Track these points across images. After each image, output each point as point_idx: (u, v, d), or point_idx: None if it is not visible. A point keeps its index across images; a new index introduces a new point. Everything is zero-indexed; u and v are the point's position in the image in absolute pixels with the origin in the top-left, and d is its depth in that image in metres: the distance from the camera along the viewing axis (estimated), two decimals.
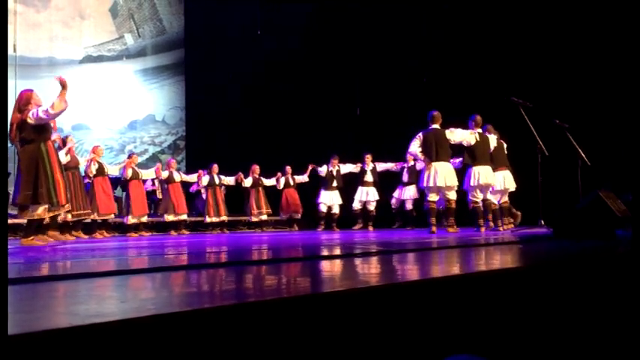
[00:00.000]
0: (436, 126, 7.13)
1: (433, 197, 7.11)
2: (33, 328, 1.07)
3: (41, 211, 5.19)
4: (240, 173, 10.39)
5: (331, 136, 11.39)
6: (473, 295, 1.89)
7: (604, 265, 2.60)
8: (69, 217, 7.51)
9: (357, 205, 10.44)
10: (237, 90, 12.71)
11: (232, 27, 12.86)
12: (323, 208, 10.49)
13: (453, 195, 7.09)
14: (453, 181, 7.03)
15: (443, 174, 6.95)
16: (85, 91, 12.39)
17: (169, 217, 9.52)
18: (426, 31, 10.82)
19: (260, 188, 10.60)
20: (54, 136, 5.78)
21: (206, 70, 13.18)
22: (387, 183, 10.53)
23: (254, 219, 10.63)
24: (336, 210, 10.53)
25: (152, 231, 9.59)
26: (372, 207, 10.41)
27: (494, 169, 7.49)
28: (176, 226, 9.64)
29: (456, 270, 2.32)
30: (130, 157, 9.31)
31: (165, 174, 9.57)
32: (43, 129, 5.17)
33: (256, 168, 10.56)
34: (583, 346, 2.05)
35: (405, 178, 10.22)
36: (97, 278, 2.09)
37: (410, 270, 2.35)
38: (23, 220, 9.63)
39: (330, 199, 10.43)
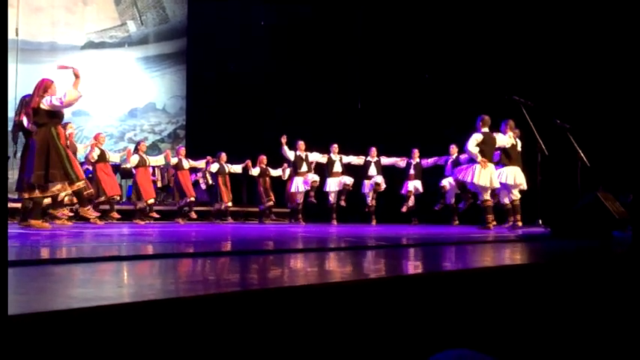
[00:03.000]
0: (486, 129, 7.33)
1: (488, 195, 7.42)
2: (31, 310, 1.07)
3: (59, 187, 5.48)
4: (249, 161, 10.39)
5: (332, 128, 11.38)
6: (468, 290, 1.90)
7: (600, 265, 2.61)
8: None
9: (332, 198, 10.26)
10: (239, 80, 12.69)
11: (235, 17, 12.83)
12: (300, 198, 10.26)
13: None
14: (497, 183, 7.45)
15: (495, 175, 7.33)
16: (85, 77, 12.31)
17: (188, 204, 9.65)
18: (429, 28, 10.80)
19: (267, 178, 10.63)
20: None
21: (208, 59, 13.15)
22: (354, 175, 10.37)
23: (264, 207, 10.67)
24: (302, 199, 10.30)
25: (151, 219, 9.58)
26: (339, 199, 10.26)
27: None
28: (181, 214, 9.70)
29: (451, 266, 2.33)
30: (138, 144, 9.38)
31: (174, 160, 9.64)
32: (54, 114, 5.51)
33: (263, 158, 10.60)
34: (575, 346, 2.06)
35: (412, 173, 10.16)
36: (96, 263, 2.09)
37: (408, 264, 2.36)
38: (18, 205, 9.64)
39: (302, 186, 10.17)
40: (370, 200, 10.36)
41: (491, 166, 7.27)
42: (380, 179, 10.22)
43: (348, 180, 10.16)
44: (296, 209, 10.41)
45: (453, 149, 9.79)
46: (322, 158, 10.33)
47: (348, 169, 10.46)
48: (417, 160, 10.21)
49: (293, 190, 10.27)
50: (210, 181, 10.78)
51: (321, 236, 4.97)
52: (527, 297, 2.05)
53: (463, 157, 9.82)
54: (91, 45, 12.75)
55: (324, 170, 10.36)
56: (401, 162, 10.35)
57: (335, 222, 10.08)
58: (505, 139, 7.48)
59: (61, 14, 12.42)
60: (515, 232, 6.23)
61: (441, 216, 10.01)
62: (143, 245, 3.35)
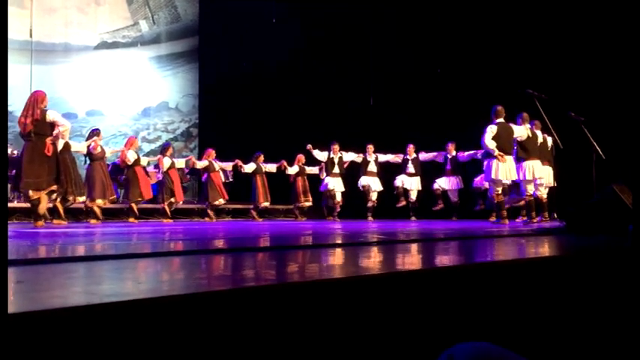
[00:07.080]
0: (501, 120, 7.14)
1: (500, 190, 7.18)
2: (50, 306, 1.09)
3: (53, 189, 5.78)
4: (284, 161, 10.48)
5: (344, 125, 11.36)
6: (480, 284, 1.89)
7: (612, 260, 2.58)
8: (103, 203, 7.92)
9: (368, 195, 10.29)
10: (251, 78, 12.71)
11: (247, 15, 12.83)
12: (335, 196, 10.36)
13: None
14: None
15: (513, 168, 7.11)
16: (99, 77, 12.46)
17: (216, 204, 9.80)
18: (442, 22, 10.73)
19: (305, 177, 10.69)
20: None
21: (220, 57, 13.18)
22: (390, 173, 10.38)
23: (299, 205, 10.73)
24: (338, 198, 10.41)
25: (175, 217, 9.69)
26: (374, 197, 10.31)
27: (542, 164, 7.58)
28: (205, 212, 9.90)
29: (465, 260, 2.32)
30: (165, 149, 9.47)
31: (204, 163, 9.79)
32: (52, 127, 5.84)
33: (302, 157, 10.62)
34: (582, 341, 2.05)
35: (449, 168, 9.90)
36: (115, 260, 2.11)
37: (416, 259, 2.36)
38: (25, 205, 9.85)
39: (333, 185, 10.32)
40: (410, 198, 10.28)
41: (509, 159, 7.04)
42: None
43: (377, 188, 10.25)
44: (333, 207, 10.44)
45: (451, 147, 9.80)
46: (357, 158, 10.41)
47: (385, 168, 10.43)
48: (454, 153, 9.88)
49: (330, 187, 10.32)
50: (223, 179, 10.83)
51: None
52: (536, 291, 2.05)
53: (467, 153, 9.69)
54: (104, 45, 12.83)
55: (359, 169, 10.38)
56: (439, 157, 10.11)
57: (371, 218, 10.00)
58: (522, 131, 7.26)
59: (74, 15, 12.51)
60: (529, 227, 6.18)
61: (440, 213, 9.96)
62: (160, 243, 3.37)
